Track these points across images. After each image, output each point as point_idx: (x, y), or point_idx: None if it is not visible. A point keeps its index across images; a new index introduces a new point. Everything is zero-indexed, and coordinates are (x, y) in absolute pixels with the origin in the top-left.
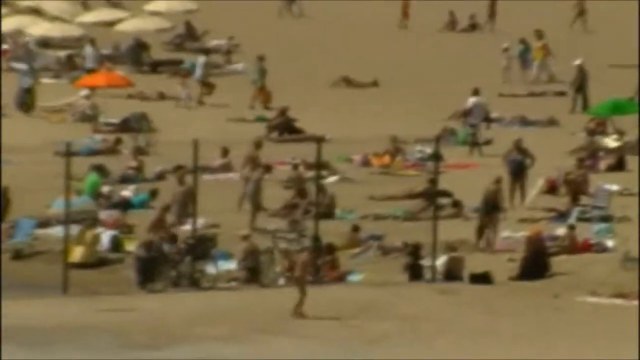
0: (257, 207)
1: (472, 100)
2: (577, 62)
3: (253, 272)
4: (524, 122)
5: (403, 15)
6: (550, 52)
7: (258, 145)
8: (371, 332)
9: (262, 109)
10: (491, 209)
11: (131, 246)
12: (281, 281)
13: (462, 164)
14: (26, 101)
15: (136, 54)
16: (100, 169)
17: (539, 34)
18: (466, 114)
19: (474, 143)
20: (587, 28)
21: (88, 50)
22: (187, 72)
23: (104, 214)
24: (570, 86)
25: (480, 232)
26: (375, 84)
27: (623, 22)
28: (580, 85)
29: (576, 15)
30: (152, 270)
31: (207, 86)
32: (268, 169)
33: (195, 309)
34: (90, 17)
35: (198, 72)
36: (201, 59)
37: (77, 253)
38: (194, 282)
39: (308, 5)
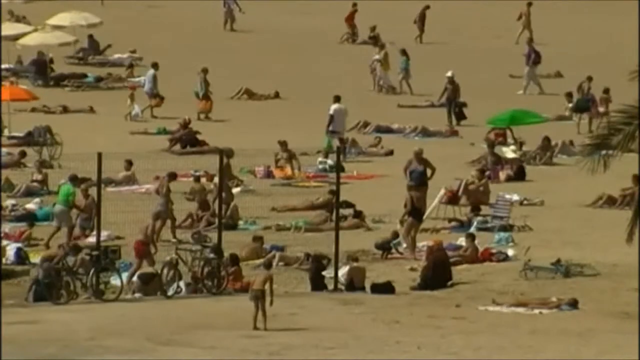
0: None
1: (333, 107)
2: (448, 74)
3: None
4: (425, 132)
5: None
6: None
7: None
8: (273, 343)
9: (203, 119)
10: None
11: (36, 258)
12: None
13: (364, 175)
14: None
15: (40, 67)
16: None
17: (381, 45)
18: (330, 121)
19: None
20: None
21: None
22: (135, 86)
23: (8, 227)
24: (441, 98)
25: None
26: (277, 95)
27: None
28: (452, 97)
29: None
30: (53, 284)
31: (157, 98)
32: (173, 177)
33: (100, 321)
34: None
35: (147, 85)
36: (150, 72)
37: None
38: (99, 294)
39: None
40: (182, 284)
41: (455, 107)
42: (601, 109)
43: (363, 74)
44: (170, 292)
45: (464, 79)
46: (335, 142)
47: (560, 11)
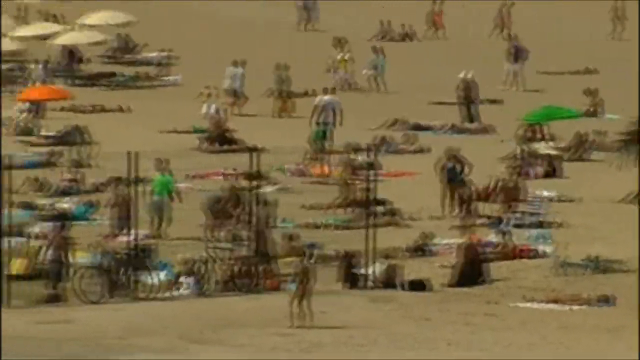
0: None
1: (325, 98)
2: (464, 75)
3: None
4: (457, 129)
5: (434, 25)
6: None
7: None
8: (304, 340)
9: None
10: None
11: (73, 258)
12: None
13: (399, 172)
14: None
15: (71, 66)
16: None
17: (342, 44)
18: (318, 111)
19: (322, 141)
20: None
21: (39, 71)
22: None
23: (44, 227)
24: (458, 98)
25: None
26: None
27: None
28: (468, 96)
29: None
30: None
31: (243, 98)
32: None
33: (132, 320)
34: (25, 30)
35: (236, 83)
36: (239, 70)
37: (18, 265)
38: (132, 293)
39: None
40: (190, 280)
41: (469, 107)
42: None
43: (398, 70)
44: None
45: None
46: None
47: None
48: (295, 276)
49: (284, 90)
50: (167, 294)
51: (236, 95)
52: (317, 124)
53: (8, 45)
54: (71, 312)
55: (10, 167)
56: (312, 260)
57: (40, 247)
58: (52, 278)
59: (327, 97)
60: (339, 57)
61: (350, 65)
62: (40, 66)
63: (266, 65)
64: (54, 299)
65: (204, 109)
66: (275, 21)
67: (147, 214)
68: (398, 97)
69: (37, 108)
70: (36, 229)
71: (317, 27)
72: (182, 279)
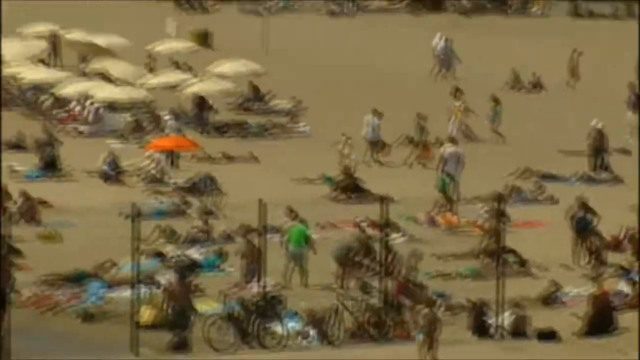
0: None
1: (449, 150)
2: (596, 124)
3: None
4: (589, 179)
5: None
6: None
7: None
8: None
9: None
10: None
11: (201, 308)
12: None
13: (528, 222)
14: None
15: (201, 114)
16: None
17: (458, 94)
18: (442, 161)
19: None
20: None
21: (170, 122)
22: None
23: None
24: (588, 147)
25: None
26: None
27: None
28: (598, 147)
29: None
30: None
31: (381, 145)
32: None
33: None
34: (155, 80)
35: (370, 131)
36: (369, 118)
37: (147, 314)
38: (262, 342)
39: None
40: (312, 332)
41: (601, 158)
42: None
43: (525, 119)
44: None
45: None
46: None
47: None
48: (424, 326)
49: (422, 140)
50: (295, 343)
51: (375, 144)
52: (444, 173)
53: (137, 93)
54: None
55: (139, 216)
56: (441, 310)
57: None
58: (176, 327)
59: (451, 148)
60: (456, 105)
61: (465, 115)
62: (172, 116)
63: (393, 114)
64: (180, 346)
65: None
66: (406, 70)
67: (284, 263)
68: (523, 146)
69: (171, 157)
70: (164, 278)
71: (454, 76)
72: (308, 328)
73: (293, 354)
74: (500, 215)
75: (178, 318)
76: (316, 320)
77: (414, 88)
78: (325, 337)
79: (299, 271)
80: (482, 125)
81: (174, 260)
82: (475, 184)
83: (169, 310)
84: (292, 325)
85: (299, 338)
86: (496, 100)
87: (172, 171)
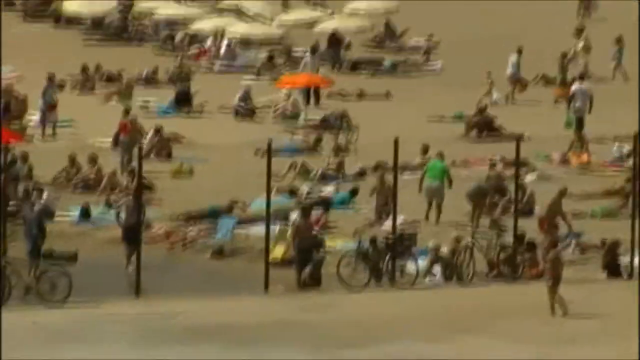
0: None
1: (577, 86)
2: None
3: (451, 271)
4: None
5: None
6: None
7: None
8: (568, 331)
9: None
10: None
11: (332, 244)
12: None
13: None
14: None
15: (335, 51)
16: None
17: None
18: (570, 98)
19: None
20: None
21: (306, 58)
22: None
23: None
24: None
25: None
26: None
27: None
28: None
29: None
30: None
31: (520, 84)
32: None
33: (395, 308)
34: (289, 17)
35: (510, 70)
36: (513, 57)
37: (278, 251)
38: (393, 281)
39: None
40: (437, 270)
41: None
42: None
43: None
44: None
45: None
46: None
47: None
48: (548, 266)
49: (563, 78)
50: (425, 281)
51: (517, 81)
52: (571, 109)
53: (273, 30)
54: (332, 298)
55: (272, 152)
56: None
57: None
58: (301, 264)
59: (578, 85)
60: (579, 46)
61: (585, 55)
62: (309, 52)
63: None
64: (310, 283)
65: (493, 96)
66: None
67: (424, 197)
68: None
69: (307, 94)
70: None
71: (595, 16)
72: (436, 266)
73: (421, 292)
74: (637, 155)
75: (302, 255)
76: (446, 258)
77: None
78: (454, 275)
79: (436, 207)
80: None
81: (305, 197)
82: (607, 123)
83: (295, 247)
84: (423, 263)
85: (428, 277)
86: (619, 41)
87: (308, 108)
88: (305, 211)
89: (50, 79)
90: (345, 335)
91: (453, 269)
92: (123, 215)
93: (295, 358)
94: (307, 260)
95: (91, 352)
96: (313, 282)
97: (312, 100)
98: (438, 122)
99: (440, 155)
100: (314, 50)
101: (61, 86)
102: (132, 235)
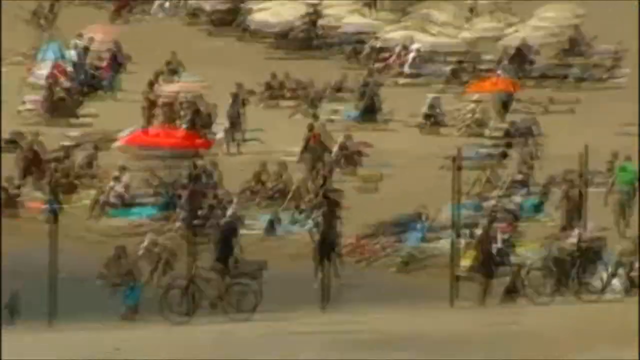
0: None
1: None
2: None
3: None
4: None
5: None
6: None
7: None
8: None
9: None
10: None
11: (521, 250)
12: None
13: None
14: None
15: (521, 61)
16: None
17: None
18: None
19: None
20: None
21: (504, 63)
22: None
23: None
24: None
25: None
26: None
27: None
28: None
29: None
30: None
31: None
32: None
33: (580, 321)
34: (476, 27)
35: None
36: None
37: (466, 260)
38: (580, 292)
39: None
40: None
41: None
42: None
43: None
44: None
45: None
46: None
47: None
48: None
49: None
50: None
51: None
52: None
53: (459, 41)
54: (518, 310)
55: (461, 161)
56: None
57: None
58: (483, 276)
59: None
60: None
61: None
62: (498, 60)
63: None
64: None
65: None
66: None
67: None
68: None
69: (503, 103)
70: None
71: None
72: (614, 279)
73: (607, 305)
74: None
75: (484, 266)
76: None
77: None
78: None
79: (625, 213)
80: None
81: (493, 206)
82: None
83: (478, 259)
84: (609, 273)
85: (608, 288)
86: None
87: (497, 117)
88: (491, 220)
89: (236, 94)
90: (529, 351)
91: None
92: (314, 227)
93: None
94: (490, 270)
95: None
96: (509, 293)
97: (503, 108)
98: (626, 135)
99: (629, 159)
100: (500, 61)
101: (246, 100)
102: (326, 246)
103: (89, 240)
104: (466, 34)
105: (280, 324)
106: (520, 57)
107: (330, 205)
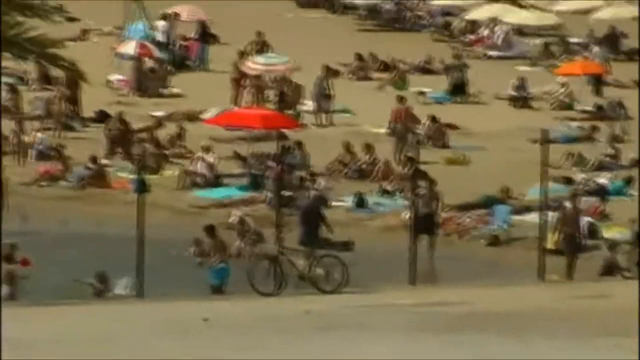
0: None
1: None
2: None
3: None
4: None
5: None
6: None
7: None
8: None
9: None
10: None
11: (608, 233)
12: None
13: None
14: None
15: (611, 41)
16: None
17: None
18: None
19: None
20: None
21: (595, 49)
22: None
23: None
24: None
25: None
26: None
27: None
28: None
29: None
30: None
31: None
32: None
33: None
34: (565, 5)
35: None
36: None
37: (551, 239)
38: None
39: None
40: None
41: None
42: None
43: None
44: None
45: None
46: None
47: None
48: None
49: None
50: None
51: None
52: None
53: (547, 18)
54: (609, 288)
55: (548, 142)
56: None
57: None
58: (567, 253)
59: None
60: None
61: None
62: (594, 41)
63: None
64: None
65: None
66: None
67: None
68: None
69: (595, 82)
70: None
71: None
72: None
73: None
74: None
75: (569, 244)
76: None
77: None
78: None
79: None
80: None
81: (581, 186)
82: None
83: (561, 236)
84: None
85: None
86: None
87: (592, 97)
88: (575, 198)
89: (326, 68)
90: (617, 324)
91: None
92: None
93: (567, 347)
94: (576, 245)
95: (363, 341)
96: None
97: (594, 89)
98: None
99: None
100: (599, 41)
101: (336, 74)
102: (426, 224)
103: (177, 210)
104: (558, 8)
105: (366, 300)
106: (610, 36)
107: (425, 179)
